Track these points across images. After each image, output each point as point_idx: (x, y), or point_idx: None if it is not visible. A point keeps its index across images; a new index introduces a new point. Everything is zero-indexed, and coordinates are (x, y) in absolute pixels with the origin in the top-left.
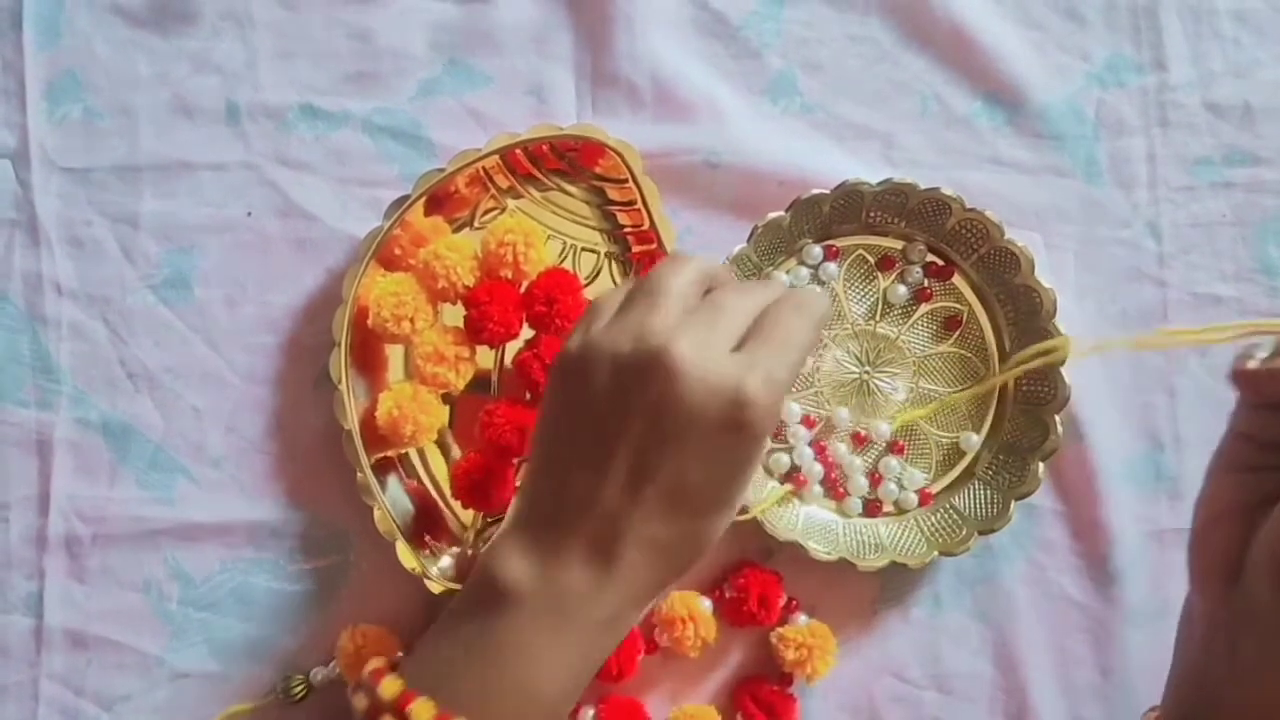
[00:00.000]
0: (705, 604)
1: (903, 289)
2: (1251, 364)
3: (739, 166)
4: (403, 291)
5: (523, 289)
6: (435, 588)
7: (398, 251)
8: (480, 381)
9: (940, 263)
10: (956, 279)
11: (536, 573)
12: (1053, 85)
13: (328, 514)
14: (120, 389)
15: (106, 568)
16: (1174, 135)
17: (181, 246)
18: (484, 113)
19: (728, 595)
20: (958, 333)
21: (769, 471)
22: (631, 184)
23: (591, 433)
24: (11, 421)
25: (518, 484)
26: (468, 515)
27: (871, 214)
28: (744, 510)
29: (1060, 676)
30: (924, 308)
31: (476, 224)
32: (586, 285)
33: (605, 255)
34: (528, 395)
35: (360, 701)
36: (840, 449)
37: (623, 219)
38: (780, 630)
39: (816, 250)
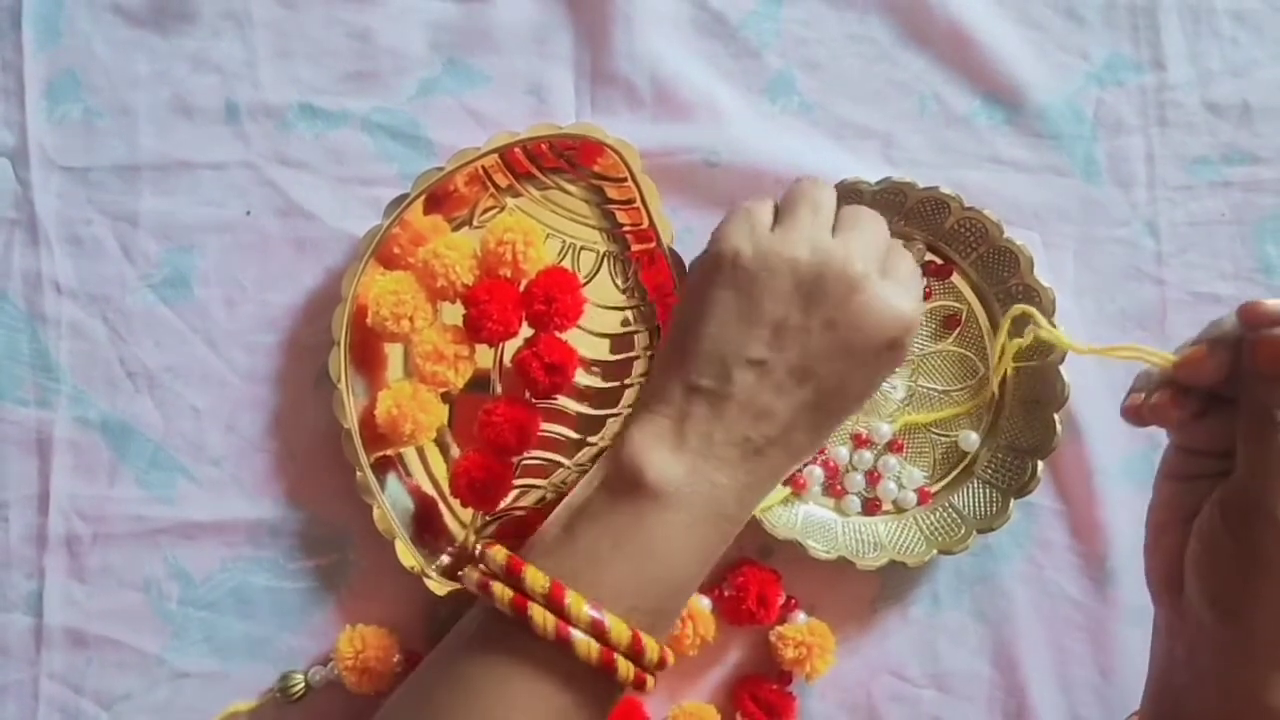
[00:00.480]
0: (704, 602)
1: None
2: (1135, 399)
3: (738, 165)
4: (402, 290)
5: (522, 287)
6: (435, 587)
7: (397, 250)
8: (479, 380)
9: (939, 262)
10: (955, 278)
11: (690, 472)
12: (1052, 85)
13: (327, 513)
14: (120, 388)
15: (106, 567)
16: (1172, 134)
17: (181, 246)
18: (483, 112)
19: (726, 594)
20: (956, 331)
21: None
22: (630, 183)
23: (764, 332)
24: (11, 420)
25: (638, 385)
26: (467, 514)
27: None
28: None
29: (1059, 675)
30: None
31: (475, 223)
32: (585, 284)
33: (604, 254)
34: (527, 394)
35: (503, 592)
36: (840, 450)
37: (622, 218)
38: (779, 629)
39: None
